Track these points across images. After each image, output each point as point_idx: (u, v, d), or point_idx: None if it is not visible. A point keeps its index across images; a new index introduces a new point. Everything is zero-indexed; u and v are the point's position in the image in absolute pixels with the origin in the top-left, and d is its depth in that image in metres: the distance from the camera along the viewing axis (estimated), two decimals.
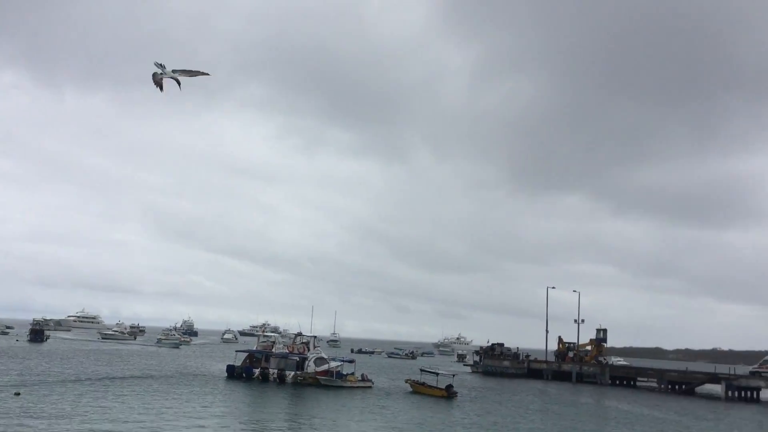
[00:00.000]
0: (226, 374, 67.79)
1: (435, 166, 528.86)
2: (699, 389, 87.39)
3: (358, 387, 64.55)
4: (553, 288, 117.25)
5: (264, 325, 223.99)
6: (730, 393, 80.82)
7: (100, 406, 39.35)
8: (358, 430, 36.68)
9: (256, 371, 66.29)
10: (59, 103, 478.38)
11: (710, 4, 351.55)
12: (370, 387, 65.60)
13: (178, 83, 13.88)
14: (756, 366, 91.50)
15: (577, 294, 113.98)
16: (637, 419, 51.05)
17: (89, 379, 56.83)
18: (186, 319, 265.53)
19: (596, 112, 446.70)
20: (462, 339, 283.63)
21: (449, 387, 61.84)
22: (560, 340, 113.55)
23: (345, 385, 64.27)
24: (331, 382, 64.03)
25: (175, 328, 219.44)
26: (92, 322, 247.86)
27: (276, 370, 65.57)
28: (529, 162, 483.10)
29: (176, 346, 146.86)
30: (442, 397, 59.91)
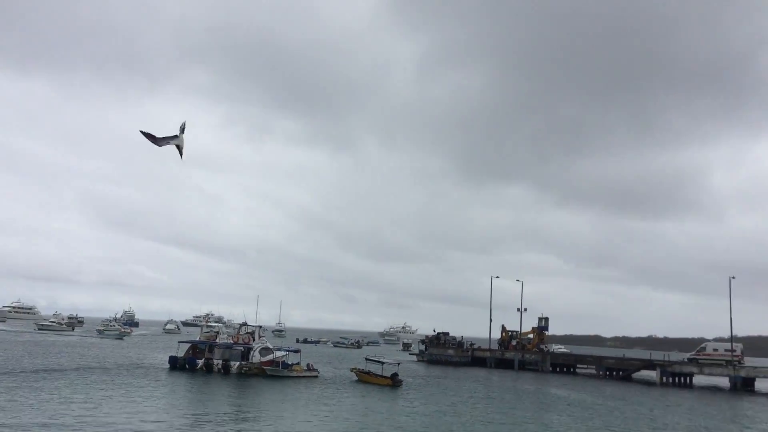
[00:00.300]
0: (168, 365, 66.65)
1: (382, 157, 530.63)
2: (635, 375, 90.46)
3: (303, 377, 64.37)
4: (497, 277, 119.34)
5: (208, 315, 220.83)
6: (664, 379, 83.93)
7: (37, 399, 38.18)
8: (304, 419, 36.60)
9: (200, 362, 65.41)
10: None
11: (649, 4, 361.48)
12: (315, 376, 65.52)
13: (180, 153, 13.60)
14: (693, 353, 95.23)
15: (520, 283, 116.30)
16: (575, 404, 52.53)
17: (24, 371, 55.05)
18: (127, 309, 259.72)
19: (541, 105, 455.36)
20: (407, 328, 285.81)
21: (394, 375, 62.28)
22: (503, 328, 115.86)
23: (291, 375, 64.01)
24: (276, 372, 63.67)
25: (116, 319, 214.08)
26: (28, 313, 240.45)
27: (220, 361, 64.85)
28: (475, 153, 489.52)
29: (119, 337, 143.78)
30: (387, 385, 60.30)
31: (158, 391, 46.50)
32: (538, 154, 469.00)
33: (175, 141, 13.33)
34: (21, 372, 54.29)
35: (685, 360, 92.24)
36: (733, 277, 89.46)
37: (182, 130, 13.57)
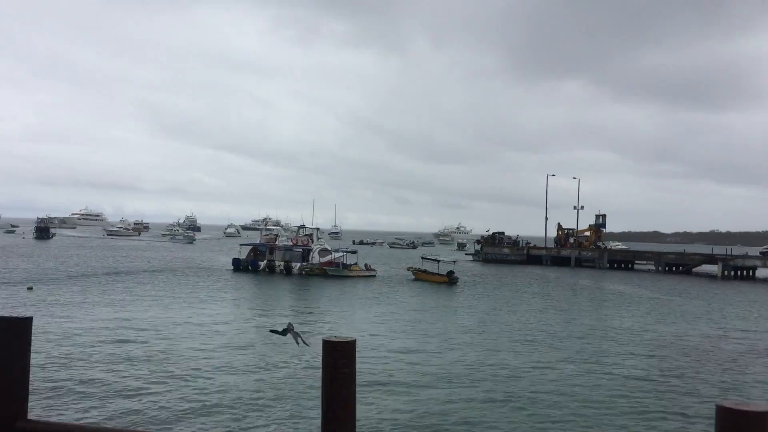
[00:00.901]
0: (232, 267, 68.96)
1: (432, 56, 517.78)
2: (696, 270, 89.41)
3: (362, 276, 65.97)
4: (553, 176, 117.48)
5: (266, 219, 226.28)
6: (726, 272, 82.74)
7: (112, 299, 40.27)
8: (365, 315, 37.68)
9: (262, 264, 67.41)
10: None
11: None
12: (374, 276, 67.04)
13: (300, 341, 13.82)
14: (765, 247, 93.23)
15: (576, 181, 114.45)
16: (631, 298, 52.60)
17: (95, 274, 57.98)
18: (189, 215, 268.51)
19: None
20: (462, 228, 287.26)
21: (450, 273, 63.13)
22: (559, 226, 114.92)
23: (351, 274, 65.64)
24: (337, 272, 65.37)
25: (179, 224, 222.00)
26: (96, 220, 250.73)
27: (282, 262, 66.75)
28: (528, 49, 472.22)
29: (190, 241, 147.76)
30: (444, 283, 61.32)
31: (226, 291, 48.43)
32: (594, 47, 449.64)
33: (293, 331, 13.77)
34: (93, 275, 57.17)
35: (759, 254, 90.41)
36: None
37: (290, 328, 14.06)
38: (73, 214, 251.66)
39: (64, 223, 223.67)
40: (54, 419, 13.97)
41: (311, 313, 37.83)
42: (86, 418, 16.04)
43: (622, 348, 28.96)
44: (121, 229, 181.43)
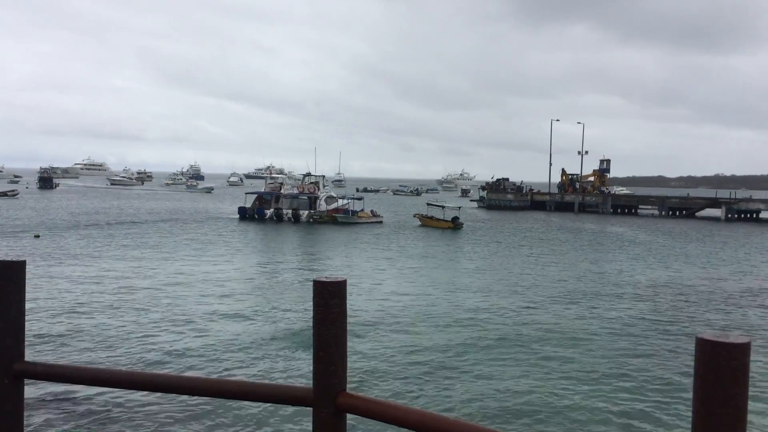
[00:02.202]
0: (238, 216, 68.99)
1: (437, 1, 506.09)
2: (699, 214, 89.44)
3: (370, 222, 66.53)
4: (557, 121, 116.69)
5: (269, 167, 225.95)
6: (729, 216, 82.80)
7: (118, 246, 40.59)
8: (375, 258, 37.97)
9: (268, 212, 67.49)
10: None
11: None
12: (380, 222, 67.56)
13: None
14: None
15: (581, 126, 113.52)
16: (631, 241, 53.14)
17: (100, 223, 58.32)
18: (192, 164, 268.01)
19: None
20: (465, 175, 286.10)
21: (455, 219, 63.45)
22: (563, 172, 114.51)
23: (360, 221, 66.15)
24: (346, 218, 65.86)
25: (182, 173, 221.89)
26: (99, 169, 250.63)
27: (290, 210, 66.90)
28: None
29: (209, 190, 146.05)
30: (449, 228, 61.69)
31: (238, 238, 48.74)
32: None
33: None
34: (97, 224, 57.51)
35: None
36: None
37: None
38: (76, 164, 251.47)
39: (66, 173, 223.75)
40: (52, 361, 14.25)
41: (330, 258, 38.49)
42: (85, 360, 16.38)
43: (613, 288, 29.32)
44: (124, 179, 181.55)
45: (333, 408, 2.83)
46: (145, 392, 12.19)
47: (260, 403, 12.61)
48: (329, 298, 2.82)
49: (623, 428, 13.20)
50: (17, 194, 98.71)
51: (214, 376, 14.98)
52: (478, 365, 17.00)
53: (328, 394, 2.83)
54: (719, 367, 1.83)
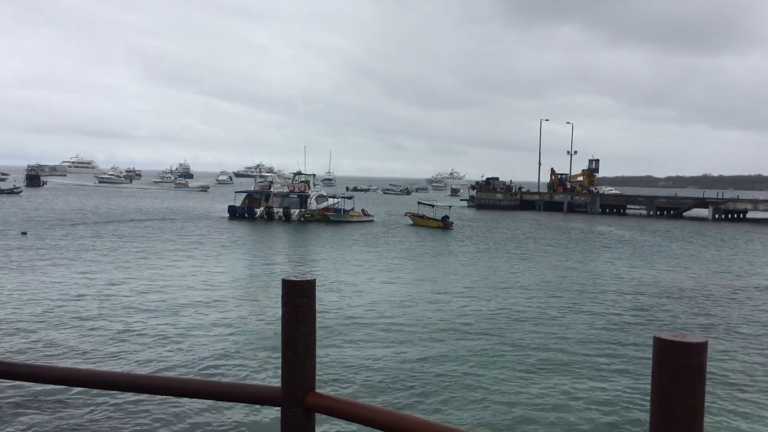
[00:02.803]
0: (228, 215, 68.63)
1: (428, 0, 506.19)
2: (687, 214, 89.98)
3: (362, 221, 66.66)
4: (547, 121, 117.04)
5: (258, 165, 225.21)
6: (716, 216, 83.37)
7: (105, 246, 40.35)
8: (371, 255, 37.96)
9: (258, 211, 67.28)
10: None
11: None
12: (371, 221, 67.65)
13: None
14: None
15: (570, 126, 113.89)
16: (618, 240, 53.65)
17: (88, 222, 57.97)
18: (182, 162, 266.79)
19: None
20: (455, 174, 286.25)
21: (445, 218, 63.57)
22: (552, 171, 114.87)
23: (352, 219, 66.20)
24: (339, 217, 65.93)
25: (171, 171, 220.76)
26: (87, 167, 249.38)
27: (281, 209, 66.69)
28: None
29: (204, 189, 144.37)
30: (439, 228, 61.79)
31: (227, 237, 48.56)
32: None
33: None
34: (82, 223, 57.14)
35: None
36: None
37: None
38: (64, 161, 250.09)
39: (54, 170, 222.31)
40: (20, 361, 14.21)
41: (322, 257, 38.48)
42: (46, 358, 16.30)
43: (594, 288, 29.50)
44: (112, 177, 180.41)
45: (301, 407, 2.82)
46: (109, 391, 12.04)
47: (229, 403, 12.39)
48: (297, 297, 2.81)
49: (585, 425, 13.22)
50: (21, 191, 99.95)
51: (183, 376, 14.90)
52: (453, 365, 16.96)
53: (296, 393, 2.82)
54: (676, 367, 1.83)
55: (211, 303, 23.98)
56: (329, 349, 17.78)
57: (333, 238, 49.85)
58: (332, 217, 65.59)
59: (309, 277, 2.87)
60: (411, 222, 66.56)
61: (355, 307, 23.80)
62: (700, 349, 1.84)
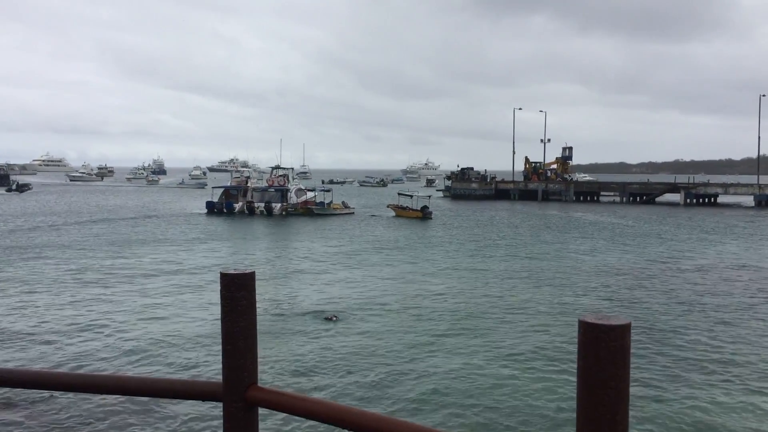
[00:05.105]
0: (206, 210, 67.30)
1: None
2: (659, 199, 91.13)
3: (344, 214, 67.03)
4: (520, 109, 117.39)
5: (233, 160, 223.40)
6: (688, 200, 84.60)
7: (81, 245, 39.78)
8: (353, 246, 37.90)
9: (237, 206, 66.47)
10: None
11: None
12: (352, 213, 68.10)
13: None
14: None
15: (543, 114, 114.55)
16: (588, 225, 55.29)
17: (65, 222, 57.16)
18: (155, 158, 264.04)
19: None
20: (430, 164, 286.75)
21: (424, 208, 64.00)
22: (527, 160, 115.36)
23: (334, 212, 66.39)
24: (322, 210, 66.11)
25: (144, 168, 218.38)
26: (58, 165, 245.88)
27: (263, 203, 66.19)
28: None
29: (202, 186, 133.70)
30: (418, 218, 62.21)
31: (206, 233, 48.06)
32: None
33: None
34: (70, 223, 56.35)
35: None
36: (764, 95, 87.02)
37: None
38: (34, 160, 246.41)
39: (24, 169, 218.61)
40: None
41: (309, 250, 38.43)
42: (31, 363, 16.08)
43: (564, 275, 29.78)
44: (84, 175, 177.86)
45: (243, 402, 2.77)
46: (44, 391, 11.78)
47: (170, 400, 12.06)
48: (236, 291, 2.75)
49: (510, 411, 13.24)
50: (31, 189, 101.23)
51: (120, 374, 14.66)
52: (402, 355, 16.93)
53: (237, 388, 2.77)
54: (600, 349, 1.82)
55: (159, 301, 23.27)
56: (287, 342, 17.58)
57: (318, 231, 50.21)
58: (316, 211, 65.73)
59: (248, 270, 2.82)
60: (393, 214, 66.71)
61: (326, 299, 23.73)
62: (623, 331, 1.83)
